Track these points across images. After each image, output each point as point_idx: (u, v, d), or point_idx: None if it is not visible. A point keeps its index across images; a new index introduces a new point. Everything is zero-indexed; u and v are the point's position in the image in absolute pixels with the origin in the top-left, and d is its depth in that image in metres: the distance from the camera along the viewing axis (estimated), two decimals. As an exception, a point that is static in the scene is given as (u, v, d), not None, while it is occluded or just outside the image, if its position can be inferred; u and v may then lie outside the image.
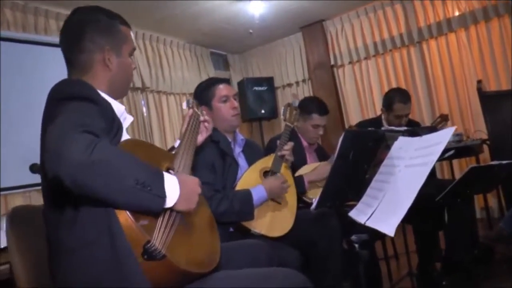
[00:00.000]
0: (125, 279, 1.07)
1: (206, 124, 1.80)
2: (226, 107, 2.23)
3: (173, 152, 1.50)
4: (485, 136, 3.89)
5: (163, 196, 1.09)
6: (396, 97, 3.17)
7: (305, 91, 5.94)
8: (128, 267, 1.07)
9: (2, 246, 1.80)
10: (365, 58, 5.49)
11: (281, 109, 5.90)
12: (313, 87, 5.82)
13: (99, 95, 1.28)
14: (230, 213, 1.93)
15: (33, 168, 2.69)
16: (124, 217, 1.07)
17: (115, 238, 1.07)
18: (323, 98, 3.27)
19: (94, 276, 1.09)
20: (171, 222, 1.16)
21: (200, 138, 1.78)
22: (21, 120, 3.66)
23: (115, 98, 1.41)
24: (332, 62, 5.70)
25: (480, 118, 4.39)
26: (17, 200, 3.49)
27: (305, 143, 2.93)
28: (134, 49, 1.51)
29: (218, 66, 6.25)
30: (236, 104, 2.26)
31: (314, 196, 2.54)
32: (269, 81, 5.87)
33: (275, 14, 5.11)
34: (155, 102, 5.04)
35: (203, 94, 2.25)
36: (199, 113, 1.77)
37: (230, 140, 2.27)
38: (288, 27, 5.70)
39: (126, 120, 1.40)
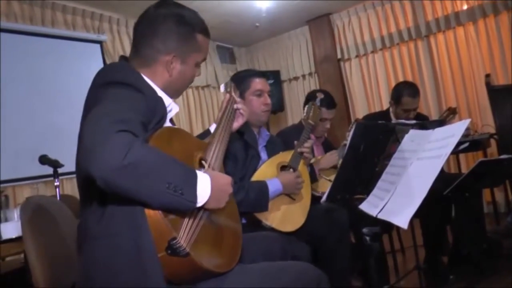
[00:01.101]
0: (143, 275, 1.07)
1: (241, 111, 1.73)
2: (259, 101, 2.24)
3: (207, 140, 1.48)
4: (492, 131, 3.87)
5: (194, 201, 1.09)
6: (404, 91, 3.15)
7: (312, 84, 5.92)
8: (148, 264, 1.08)
9: (14, 236, 1.81)
10: (372, 52, 5.47)
11: (287, 102, 5.99)
12: (320, 80, 5.80)
13: (144, 83, 1.28)
14: (245, 204, 1.92)
15: (42, 160, 2.69)
16: (153, 210, 1.08)
17: (140, 232, 1.08)
18: (330, 92, 3.26)
19: (114, 267, 1.10)
20: (198, 219, 1.16)
21: (236, 124, 1.72)
22: (30, 112, 3.68)
23: (168, 96, 1.39)
24: (339, 56, 5.68)
25: (487, 113, 4.38)
26: (25, 192, 3.53)
27: (312, 137, 2.92)
28: (204, 59, 1.48)
29: (224, 59, 6.24)
30: (269, 100, 2.27)
31: (322, 189, 2.54)
32: (275, 74, 5.86)
33: (281, 8, 5.09)
34: (161, 95, 5.04)
35: (238, 83, 2.25)
36: (236, 98, 1.73)
37: (255, 133, 2.28)
38: (295, 21, 5.68)
39: (172, 110, 1.39)
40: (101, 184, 0.99)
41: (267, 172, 2.12)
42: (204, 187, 1.12)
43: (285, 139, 2.48)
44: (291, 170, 2.18)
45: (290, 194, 2.11)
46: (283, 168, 2.19)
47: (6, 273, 2.22)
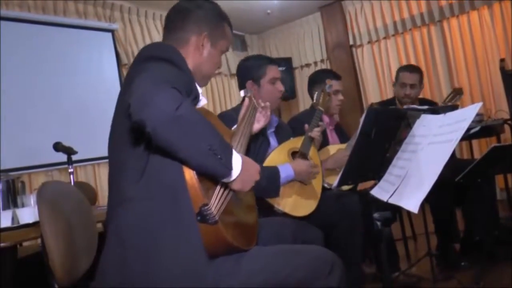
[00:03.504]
0: (182, 235, 1.10)
1: (264, 112, 1.83)
2: (274, 88, 2.27)
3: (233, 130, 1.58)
4: (507, 116, 3.82)
5: (230, 168, 1.14)
6: (402, 67, 3.34)
7: (324, 71, 5.88)
8: (187, 223, 1.11)
9: (31, 221, 1.85)
10: (385, 38, 5.42)
11: (298, 89, 5.97)
12: (332, 67, 5.76)
13: (184, 62, 1.34)
14: (256, 189, 1.93)
15: (57, 147, 2.73)
16: (190, 175, 1.12)
17: (178, 194, 1.12)
18: (342, 78, 3.24)
19: (151, 228, 1.12)
20: (227, 193, 1.20)
21: (258, 126, 1.82)
22: (43, 100, 3.73)
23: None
24: (351, 42, 5.65)
25: (501, 98, 4.33)
26: (41, 178, 3.60)
27: (326, 119, 2.88)
28: (227, 50, 1.59)
29: (236, 46, 6.23)
30: (282, 87, 2.30)
31: (333, 182, 2.52)
32: (287, 61, 5.84)
33: (293, -6, 5.06)
34: (174, 83, 5.06)
35: (252, 70, 2.26)
36: (256, 104, 1.80)
37: None
38: (307, 7, 5.65)
39: (201, 102, 1.43)
40: (150, 130, 1.04)
41: (278, 158, 2.13)
42: (236, 164, 1.17)
43: (298, 125, 2.47)
44: (302, 155, 2.18)
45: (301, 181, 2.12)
46: (294, 154, 2.19)
47: (24, 257, 2.27)
